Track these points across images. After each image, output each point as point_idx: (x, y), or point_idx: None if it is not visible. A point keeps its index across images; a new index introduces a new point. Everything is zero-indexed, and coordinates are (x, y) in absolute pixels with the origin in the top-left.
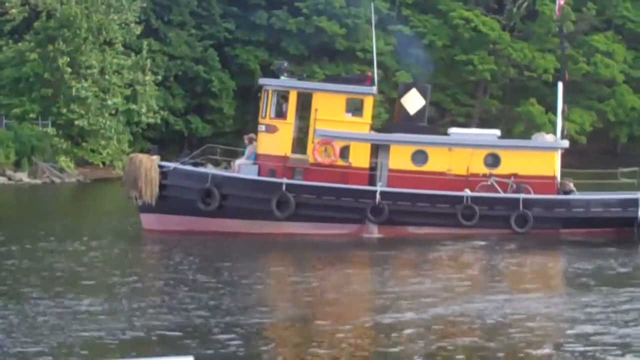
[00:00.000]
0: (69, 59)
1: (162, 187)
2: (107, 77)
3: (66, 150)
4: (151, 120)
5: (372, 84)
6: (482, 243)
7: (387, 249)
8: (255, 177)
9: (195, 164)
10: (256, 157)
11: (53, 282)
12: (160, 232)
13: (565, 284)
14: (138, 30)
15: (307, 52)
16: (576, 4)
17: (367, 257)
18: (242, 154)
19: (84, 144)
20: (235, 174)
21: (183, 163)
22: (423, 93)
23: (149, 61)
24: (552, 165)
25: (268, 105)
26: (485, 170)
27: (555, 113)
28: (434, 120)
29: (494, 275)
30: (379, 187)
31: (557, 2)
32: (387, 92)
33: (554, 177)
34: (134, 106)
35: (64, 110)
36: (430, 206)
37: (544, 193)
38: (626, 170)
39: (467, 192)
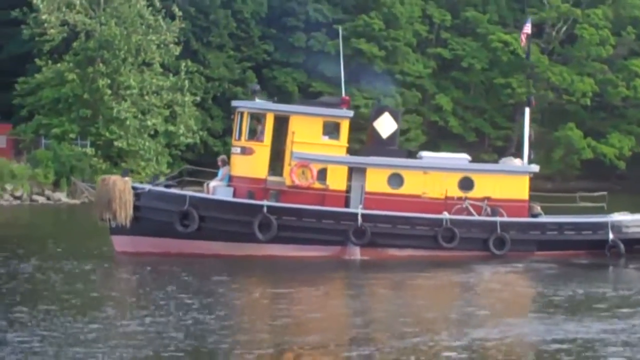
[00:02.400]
0: (108, 81)
1: (136, 208)
2: (146, 97)
3: (105, 171)
4: (190, 141)
5: (349, 107)
6: (464, 267)
7: (374, 271)
8: (236, 200)
9: (167, 186)
10: (230, 179)
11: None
12: (133, 255)
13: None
14: (177, 51)
15: (346, 74)
16: (615, 28)
17: (354, 279)
18: (216, 175)
19: (123, 165)
20: (214, 196)
21: (155, 185)
22: (395, 117)
23: (187, 82)
24: (524, 189)
25: (243, 128)
26: (460, 193)
27: (594, 138)
28: (474, 145)
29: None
30: (360, 210)
31: (522, 33)
32: (427, 115)
33: (526, 201)
34: (172, 127)
35: (103, 131)
36: (411, 228)
37: (517, 216)
38: (585, 194)
39: (446, 215)
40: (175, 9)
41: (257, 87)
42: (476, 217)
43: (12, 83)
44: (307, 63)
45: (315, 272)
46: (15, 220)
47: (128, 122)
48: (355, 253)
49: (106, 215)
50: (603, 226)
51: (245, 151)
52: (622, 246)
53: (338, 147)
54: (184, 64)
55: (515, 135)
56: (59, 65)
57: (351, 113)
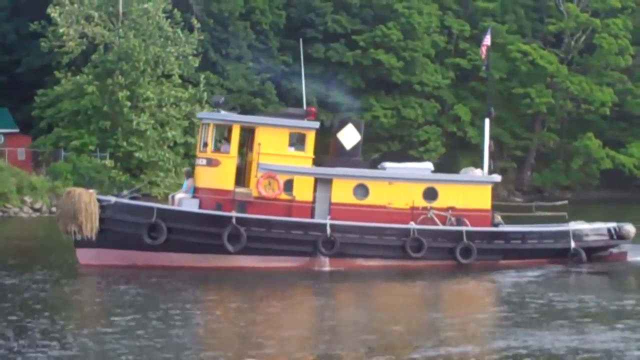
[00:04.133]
0: (127, 93)
1: (101, 221)
2: (164, 109)
3: (124, 182)
4: None
5: (315, 118)
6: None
7: (342, 281)
8: (205, 211)
9: (132, 198)
10: (195, 190)
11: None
12: (98, 267)
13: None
14: (196, 62)
15: (364, 84)
16: (635, 37)
17: (323, 289)
18: (180, 187)
19: (142, 176)
20: (182, 208)
21: (119, 197)
22: (358, 128)
23: (206, 94)
24: (487, 198)
25: (208, 139)
26: (425, 203)
27: (613, 147)
28: (493, 155)
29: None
30: (329, 221)
31: (482, 45)
32: (445, 125)
33: (489, 210)
34: (191, 139)
35: (123, 143)
36: (379, 239)
37: (480, 225)
38: (543, 204)
39: (413, 225)
40: (194, 21)
41: (222, 98)
42: (443, 227)
43: (31, 95)
44: (326, 74)
45: (285, 284)
46: (34, 233)
47: (148, 134)
48: (325, 264)
49: (71, 228)
50: (565, 235)
51: (211, 162)
52: (583, 254)
53: (304, 158)
54: (203, 76)
55: (534, 145)
56: (78, 77)
57: (317, 124)
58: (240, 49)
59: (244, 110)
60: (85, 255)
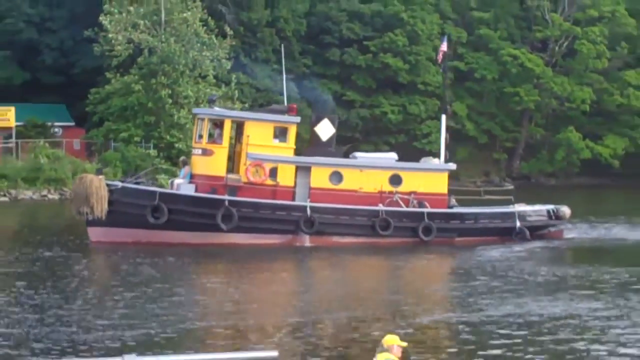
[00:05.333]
0: (169, 91)
1: (110, 203)
2: (201, 105)
3: (166, 170)
4: None
5: (296, 114)
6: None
7: (321, 256)
8: (202, 194)
9: (137, 183)
10: (191, 177)
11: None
12: (107, 244)
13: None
14: (228, 65)
15: (375, 84)
16: (611, 43)
17: (305, 263)
18: (178, 173)
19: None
20: (181, 192)
21: (126, 182)
22: (333, 122)
23: (237, 92)
24: (444, 184)
25: (203, 132)
26: (391, 188)
27: (591, 140)
28: (486, 146)
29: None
30: (309, 203)
31: (439, 50)
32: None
33: (445, 195)
34: None
35: (165, 135)
36: (352, 219)
37: (438, 207)
38: (490, 189)
39: (381, 207)
40: (227, 28)
41: (215, 96)
42: (407, 209)
43: (85, 94)
44: (341, 74)
45: (271, 258)
46: None
47: (187, 127)
48: (305, 241)
49: (83, 210)
50: (511, 216)
51: (205, 152)
52: (527, 232)
53: (287, 149)
54: (234, 76)
55: (523, 138)
56: (125, 77)
57: (298, 119)
58: (267, 53)
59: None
60: (95, 233)
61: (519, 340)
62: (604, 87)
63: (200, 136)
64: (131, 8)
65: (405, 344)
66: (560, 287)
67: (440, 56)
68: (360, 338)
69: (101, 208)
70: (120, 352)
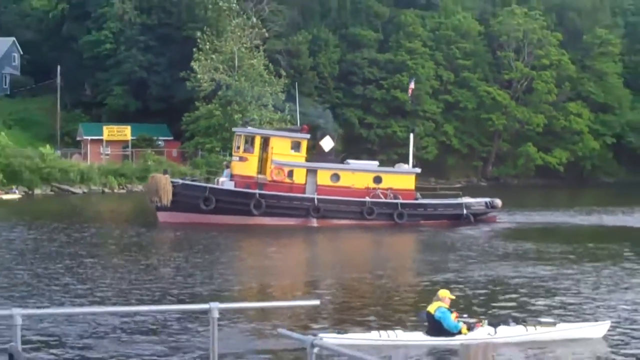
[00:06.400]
0: (240, 115)
1: (173, 194)
2: (263, 126)
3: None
4: None
5: (307, 133)
6: (379, 230)
7: (325, 233)
8: (239, 189)
9: (192, 181)
10: (231, 176)
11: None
12: (173, 224)
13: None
14: (283, 97)
15: (387, 111)
16: (557, 82)
17: (314, 237)
18: (222, 174)
19: None
20: (224, 187)
21: (185, 179)
22: (333, 138)
23: (289, 116)
24: (412, 183)
25: (240, 144)
26: (374, 185)
27: (544, 152)
28: (467, 156)
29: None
30: (316, 195)
31: (409, 87)
32: (438, 137)
33: (413, 190)
34: None
35: None
36: (346, 207)
37: (408, 199)
38: (444, 186)
39: (368, 199)
40: (282, 71)
41: (248, 119)
42: (385, 200)
43: (180, 116)
44: (363, 104)
45: (290, 234)
46: None
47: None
48: (313, 222)
49: (154, 199)
50: (460, 206)
51: (242, 159)
52: (471, 217)
53: (300, 157)
54: (287, 105)
55: (494, 150)
56: (209, 105)
57: (308, 136)
58: (310, 88)
59: (310, 128)
60: (162, 216)
61: (485, 298)
62: (552, 114)
63: (238, 147)
64: (213, 56)
65: (453, 296)
66: (508, 255)
67: (409, 92)
68: (367, 288)
69: (167, 198)
70: (206, 300)
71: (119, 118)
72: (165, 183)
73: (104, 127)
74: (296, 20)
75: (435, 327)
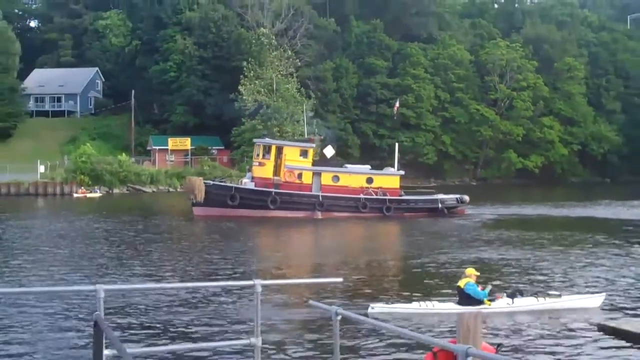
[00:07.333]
0: (278, 129)
1: (206, 193)
2: (295, 137)
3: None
4: None
5: (314, 143)
6: (369, 220)
7: (328, 223)
8: (258, 188)
9: (221, 181)
10: (252, 178)
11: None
12: (205, 217)
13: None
14: (311, 114)
15: (396, 125)
16: (534, 101)
17: (319, 227)
18: (245, 176)
19: None
20: (246, 187)
21: (215, 181)
22: (334, 147)
23: (316, 129)
24: (397, 182)
25: (260, 152)
26: (367, 185)
27: (523, 157)
28: (461, 161)
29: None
30: (321, 193)
31: (394, 106)
32: (437, 145)
33: (398, 189)
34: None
35: None
36: (345, 202)
37: (394, 196)
38: (423, 185)
39: (362, 195)
40: (311, 93)
41: (266, 132)
42: (376, 196)
43: (229, 130)
44: (377, 120)
45: (299, 224)
46: None
47: None
48: (318, 215)
49: (191, 197)
50: (435, 201)
51: (260, 164)
52: (445, 210)
53: (307, 162)
54: (315, 121)
55: (482, 156)
56: (253, 121)
57: (314, 145)
58: (334, 107)
59: (334, 139)
60: (197, 211)
61: (482, 277)
62: (530, 127)
63: (258, 155)
64: (256, 82)
65: (478, 273)
66: (486, 240)
67: (395, 110)
68: (371, 265)
69: (201, 196)
70: (249, 278)
71: (181, 132)
72: (199, 184)
73: (169, 139)
74: (322, 52)
75: (465, 298)
